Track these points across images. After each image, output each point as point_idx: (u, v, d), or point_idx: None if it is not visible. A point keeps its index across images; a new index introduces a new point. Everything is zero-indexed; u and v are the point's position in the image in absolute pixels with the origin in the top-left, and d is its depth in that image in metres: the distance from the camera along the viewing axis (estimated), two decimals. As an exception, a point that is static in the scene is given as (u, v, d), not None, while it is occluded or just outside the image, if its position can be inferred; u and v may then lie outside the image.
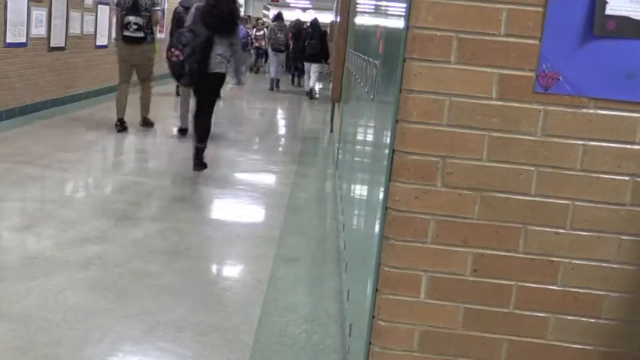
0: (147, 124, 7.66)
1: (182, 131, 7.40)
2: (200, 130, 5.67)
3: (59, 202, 4.58)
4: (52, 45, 8.35)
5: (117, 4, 7.21)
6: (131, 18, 7.00)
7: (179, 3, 7.72)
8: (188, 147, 6.26)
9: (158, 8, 7.55)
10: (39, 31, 7.96)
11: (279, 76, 14.00)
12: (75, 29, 9.09)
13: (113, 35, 9.56)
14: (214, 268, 3.67)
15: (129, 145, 7.30)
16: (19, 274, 3.26)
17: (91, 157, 6.30)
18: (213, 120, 5.80)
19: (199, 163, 5.73)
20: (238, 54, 5.65)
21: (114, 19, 7.66)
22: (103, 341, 2.68)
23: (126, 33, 7.07)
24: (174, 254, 3.77)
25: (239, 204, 5.06)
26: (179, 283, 3.36)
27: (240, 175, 6.06)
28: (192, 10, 5.60)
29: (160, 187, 5.18)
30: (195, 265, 3.64)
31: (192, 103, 6.20)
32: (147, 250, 3.74)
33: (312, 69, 12.92)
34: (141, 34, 7.09)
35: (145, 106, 7.60)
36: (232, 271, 3.64)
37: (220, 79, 5.57)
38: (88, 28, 9.60)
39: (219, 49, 5.43)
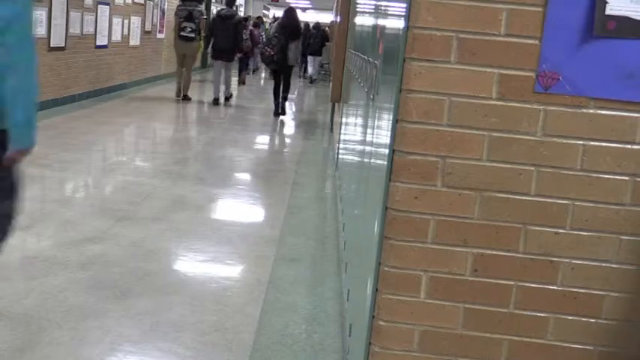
0: (186, 98, 10.71)
1: (216, 100, 10.67)
2: (285, 93, 9.98)
3: (59, 202, 4.58)
4: (52, 45, 8.35)
5: (176, 14, 10.53)
6: (187, 24, 10.27)
7: (216, 13, 10.91)
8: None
9: (205, 17, 10.69)
10: (39, 31, 7.96)
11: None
12: (75, 29, 9.09)
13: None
14: (214, 268, 3.66)
15: (128, 146, 7.30)
16: (19, 274, 3.26)
17: (91, 157, 6.30)
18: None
19: (282, 112, 9.98)
20: (298, 48, 10.27)
21: (173, 24, 11.25)
22: (103, 341, 2.68)
23: (182, 34, 10.32)
24: (174, 254, 3.77)
25: (239, 204, 5.06)
26: (179, 282, 3.36)
27: (239, 175, 6.06)
28: (275, 24, 10.61)
29: (159, 188, 5.18)
30: (195, 265, 3.64)
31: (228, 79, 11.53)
32: (147, 250, 3.74)
33: (314, 61, 17.65)
34: (192, 35, 10.35)
35: (185, 87, 10.74)
36: (232, 271, 3.64)
37: (292, 68, 10.13)
38: (88, 28, 9.60)
39: (292, 53, 9.69)
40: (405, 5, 1.69)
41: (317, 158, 7.27)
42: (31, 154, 2.09)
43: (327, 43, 16.79)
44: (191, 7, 10.27)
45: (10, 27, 1.92)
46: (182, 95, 10.69)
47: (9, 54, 1.93)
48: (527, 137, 1.65)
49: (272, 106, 10.08)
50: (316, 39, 17.04)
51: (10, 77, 1.95)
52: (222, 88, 10.81)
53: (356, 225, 2.86)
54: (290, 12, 9.93)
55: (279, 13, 18.38)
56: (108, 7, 10.30)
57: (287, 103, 10.41)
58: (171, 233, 4.09)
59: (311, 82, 17.38)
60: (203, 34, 10.53)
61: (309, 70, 17.93)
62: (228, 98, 11.10)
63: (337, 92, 6.73)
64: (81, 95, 9.52)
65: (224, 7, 10.93)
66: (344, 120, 5.34)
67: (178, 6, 10.55)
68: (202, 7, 10.63)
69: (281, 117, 9.95)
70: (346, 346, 2.58)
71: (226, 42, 10.28)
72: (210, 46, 10.46)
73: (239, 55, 12.26)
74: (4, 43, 1.92)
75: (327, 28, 17.68)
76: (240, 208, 4.92)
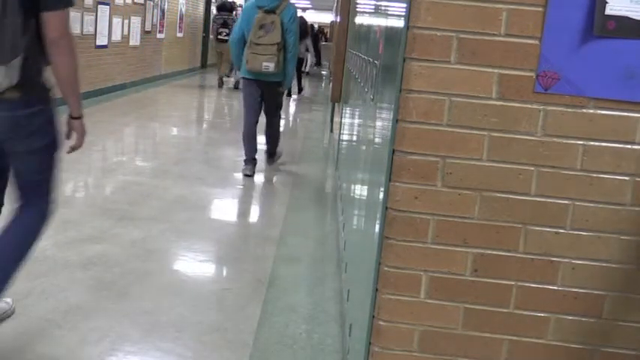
0: (227, 76, 14.15)
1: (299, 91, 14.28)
2: (299, 78, 13.85)
3: (59, 202, 4.57)
4: (52, 45, 8.34)
5: (214, 22, 13.86)
6: (222, 29, 13.18)
7: (217, 10, 13.63)
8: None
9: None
10: (39, 31, 7.96)
11: None
12: (75, 29, 9.09)
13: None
14: (214, 268, 3.67)
15: (128, 145, 7.30)
16: (19, 274, 3.25)
17: (91, 156, 6.30)
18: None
19: (299, 90, 14.12)
20: (303, 46, 13.77)
21: (212, 28, 15.00)
22: (103, 341, 2.68)
23: (219, 37, 13.26)
24: (174, 254, 3.77)
25: (239, 204, 5.05)
26: (179, 282, 3.36)
27: (239, 175, 6.06)
28: None
29: (159, 187, 5.18)
30: (195, 265, 3.64)
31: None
32: (147, 250, 3.74)
33: (308, 57, 20.87)
34: (227, 38, 12.40)
35: (224, 71, 13.98)
36: (232, 271, 3.64)
37: (302, 60, 13.90)
38: (88, 28, 9.60)
39: (302, 48, 12.58)
40: (405, 5, 1.69)
41: (317, 158, 7.27)
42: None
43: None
44: (225, 16, 13.33)
45: (291, 45, 5.63)
46: (220, 78, 13.82)
47: (289, 57, 5.64)
48: (527, 137, 1.65)
49: None
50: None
51: (288, 65, 5.68)
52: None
53: (356, 225, 2.86)
54: (301, 19, 13.46)
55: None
56: (108, 7, 10.30)
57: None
58: (171, 233, 4.09)
59: (307, 74, 20.74)
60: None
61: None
62: (237, 87, 13.03)
63: (337, 92, 6.73)
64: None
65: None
66: (344, 120, 5.34)
67: (215, 15, 13.94)
68: (234, 15, 13.47)
69: (294, 95, 13.32)
70: (346, 346, 2.58)
71: None
72: None
73: None
74: (289, 50, 5.64)
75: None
76: (240, 208, 4.92)
